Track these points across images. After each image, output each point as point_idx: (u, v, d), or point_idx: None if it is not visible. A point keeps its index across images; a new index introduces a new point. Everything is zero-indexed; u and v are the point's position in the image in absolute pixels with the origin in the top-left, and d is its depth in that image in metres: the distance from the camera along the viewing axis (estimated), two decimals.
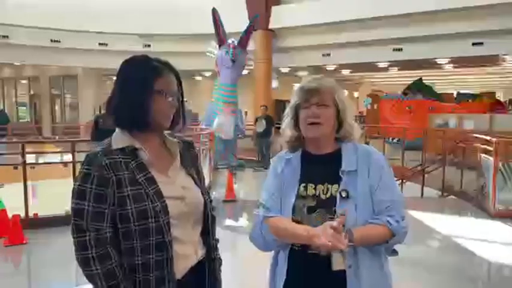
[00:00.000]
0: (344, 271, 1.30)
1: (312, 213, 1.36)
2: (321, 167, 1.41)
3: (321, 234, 1.25)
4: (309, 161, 1.44)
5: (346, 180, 1.35)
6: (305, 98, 1.41)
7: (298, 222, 1.37)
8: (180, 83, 1.35)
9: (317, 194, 1.38)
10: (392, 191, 1.39)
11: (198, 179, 1.40)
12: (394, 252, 1.43)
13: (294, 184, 1.41)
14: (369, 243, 1.34)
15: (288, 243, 1.41)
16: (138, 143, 1.28)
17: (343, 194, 1.33)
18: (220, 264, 1.46)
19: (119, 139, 1.28)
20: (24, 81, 21.55)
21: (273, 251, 1.50)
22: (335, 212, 1.32)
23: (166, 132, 1.37)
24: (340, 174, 1.36)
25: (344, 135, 1.43)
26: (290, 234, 1.36)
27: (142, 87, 1.25)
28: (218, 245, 1.46)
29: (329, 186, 1.37)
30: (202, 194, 1.38)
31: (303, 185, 1.40)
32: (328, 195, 1.36)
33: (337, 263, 1.30)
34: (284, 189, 1.43)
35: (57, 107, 20.45)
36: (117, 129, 1.30)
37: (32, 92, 21.18)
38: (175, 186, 1.31)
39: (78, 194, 1.21)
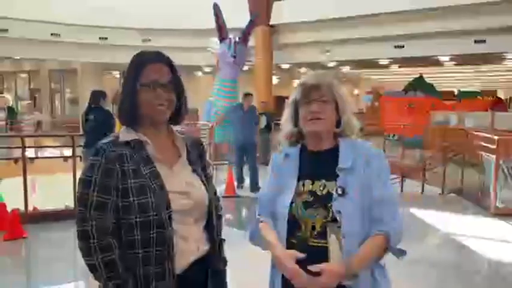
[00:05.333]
0: None
1: (308, 209, 1.37)
2: (319, 163, 1.42)
3: (294, 273, 1.28)
4: (308, 157, 1.45)
5: (343, 177, 1.35)
6: (305, 94, 1.42)
7: (294, 217, 1.38)
8: (174, 72, 1.32)
9: (314, 190, 1.38)
10: (384, 187, 1.37)
11: (205, 177, 1.40)
12: (402, 253, 1.39)
13: (292, 180, 1.42)
14: (371, 262, 1.34)
15: (283, 239, 1.41)
16: (145, 137, 1.29)
17: (339, 191, 1.33)
18: (225, 264, 1.45)
19: (126, 133, 1.30)
20: (24, 75, 21.50)
21: None
22: (330, 208, 1.33)
23: (176, 129, 1.38)
24: (337, 171, 1.36)
25: (344, 130, 1.44)
26: (268, 248, 1.41)
27: (129, 84, 1.27)
28: (224, 245, 1.45)
29: (326, 183, 1.37)
30: (207, 191, 1.37)
31: (301, 181, 1.41)
32: (325, 191, 1.37)
33: (335, 259, 1.30)
34: (282, 185, 1.44)
35: (57, 101, 20.43)
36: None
37: (31, 86, 21.16)
38: (179, 181, 1.31)
39: (84, 184, 1.23)
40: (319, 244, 1.34)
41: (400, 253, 1.39)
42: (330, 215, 1.33)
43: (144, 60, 1.29)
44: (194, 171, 1.38)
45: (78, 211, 1.23)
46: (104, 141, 1.28)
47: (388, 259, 1.42)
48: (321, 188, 1.37)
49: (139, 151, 1.27)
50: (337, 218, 1.32)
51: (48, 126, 17.63)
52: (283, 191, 1.42)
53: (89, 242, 1.20)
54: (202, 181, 1.38)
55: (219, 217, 1.43)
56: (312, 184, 1.39)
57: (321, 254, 1.32)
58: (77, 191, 1.26)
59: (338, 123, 1.44)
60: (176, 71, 1.33)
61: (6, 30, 13.28)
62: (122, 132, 1.31)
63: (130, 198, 1.22)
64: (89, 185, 1.22)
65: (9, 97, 10.11)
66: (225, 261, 1.45)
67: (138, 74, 1.26)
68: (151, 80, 1.26)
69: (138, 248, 1.22)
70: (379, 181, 1.36)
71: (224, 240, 1.45)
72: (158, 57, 1.30)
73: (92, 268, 1.22)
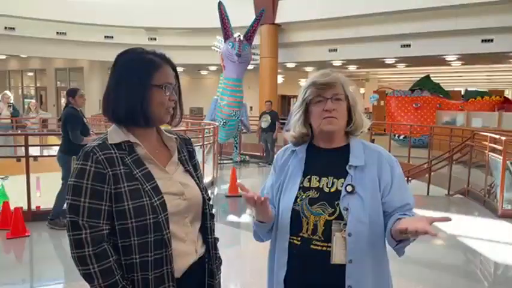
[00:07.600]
0: (343, 265, 1.30)
1: (313, 206, 1.35)
2: (327, 160, 1.40)
3: None
4: (315, 153, 1.43)
5: (354, 175, 1.34)
6: (318, 93, 1.39)
7: (297, 214, 1.36)
8: (176, 76, 1.31)
9: (320, 186, 1.37)
10: (407, 192, 1.40)
11: (196, 176, 1.37)
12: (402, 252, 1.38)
13: (298, 175, 1.41)
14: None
15: (286, 236, 1.38)
16: (135, 138, 1.24)
17: (349, 189, 1.32)
18: (220, 263, 1.42)
19: (115, 134, 1.25)
20: (30, 74, 21.66)
21: (269, 243, 1.49)
22: (337, 205, 1.32)
23: (164, 128, 1.34)
24: (347, 168, 1.35)
25: (355, 128, 1.43)
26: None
27: (140, 82, 1.22)
28: (218, 244, 1.42)
29: (334, 180, 1.36)
30: (200, 190, 1.34)
31: (307, 176, 1.40)
32: (333, 189, 1.35)
33: (338, 257, 1.30)
34: (287, 180, 1.42)
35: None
36: (113, 125, 1.27)
37: (38, 85, 21.31)
38: (173, 181, 1.27)
39: (74, 190, 1.18)
40: (322, 248, 1.33)
41: (402, 252, 1.36)
42: (337, 212, 1.32)
43: (159, 61, 1.26)
44: (186, 170, 1.35)
45: (69, 219, 1.18)
46: (93, 143, 1.23)
47: (391, 260, 1.40)
48: (329, 185, 1.36)
49: (131, 153, 1.23)
50: (344, 216, 1.31)
51: (54, 125, 17.74)
52: (288, 187, 1.41)
53: (84, 250, 1.16)
54: (195, 180, 1.35)
55: (212, 217, 1.40)
56: (319, 181, 1.38)
57: (322, 258, 1.31)
58: (66, 197, 1.20)
59: (349, 122, 1.42)
60: (177, 74, 1.32)
61: (13, 29, 13.38)
62: (110, 134, 1.25)
63: (125, 203, 1.17)
64: (80, 191, 1.17)
65: (10, 94, 10.07)
66: (220, 261, 1.42)
67: (152, 74, 1.23)
68: (166, 82, 1.25)
69: (136, 253, 1.18)
70: (401, 188, 1.38)
71: (218, 239, 1.42)
72: (168, 60, 1.30)
73: (88, 277, 1.17)
